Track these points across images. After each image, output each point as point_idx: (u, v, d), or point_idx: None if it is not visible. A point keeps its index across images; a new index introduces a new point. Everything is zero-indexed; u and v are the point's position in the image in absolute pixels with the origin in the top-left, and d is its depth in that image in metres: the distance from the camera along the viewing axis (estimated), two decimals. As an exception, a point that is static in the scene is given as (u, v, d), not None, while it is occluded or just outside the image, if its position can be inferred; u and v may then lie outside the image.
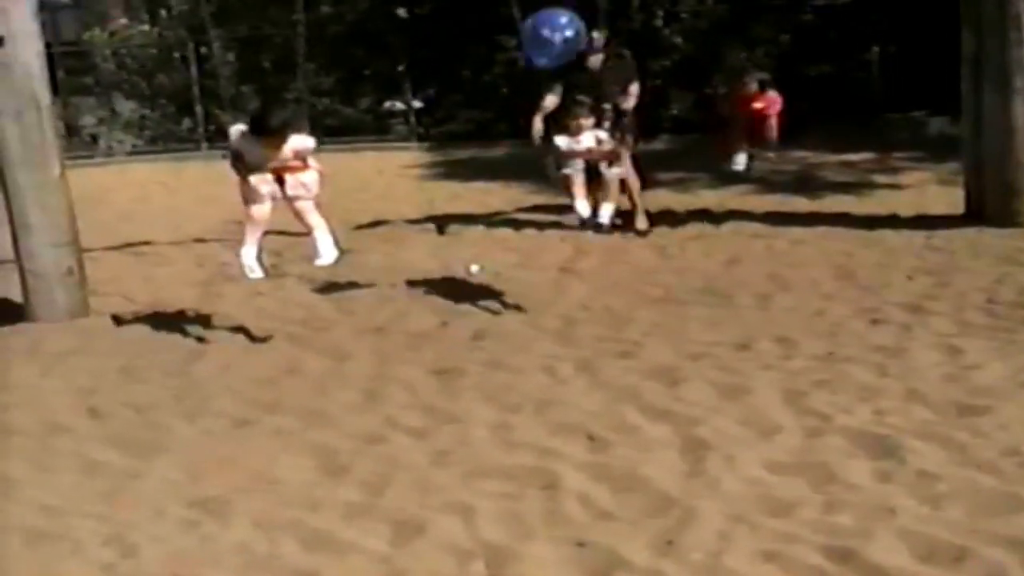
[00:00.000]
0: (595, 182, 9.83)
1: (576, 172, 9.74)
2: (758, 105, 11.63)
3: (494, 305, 8.38)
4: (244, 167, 8.22)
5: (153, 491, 5.19)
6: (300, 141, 8.13)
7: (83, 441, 5.94)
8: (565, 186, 9.73)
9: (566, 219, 10.60)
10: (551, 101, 10.37)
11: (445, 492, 4.95)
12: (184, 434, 5.98)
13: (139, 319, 8.57)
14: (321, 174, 8.34)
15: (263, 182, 8.11)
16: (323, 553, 4.49)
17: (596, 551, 4.34)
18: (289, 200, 8.27)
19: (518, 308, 8.25)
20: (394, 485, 5.06)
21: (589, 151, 9.63)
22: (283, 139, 7.95)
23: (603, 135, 10.01)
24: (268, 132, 8.01)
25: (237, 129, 8.25)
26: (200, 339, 7.89)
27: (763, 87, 11.79)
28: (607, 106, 9.82)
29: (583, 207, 9.65)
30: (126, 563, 4.55)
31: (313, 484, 5.18)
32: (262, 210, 8.20)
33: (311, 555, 4.50)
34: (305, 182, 8.24)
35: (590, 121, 9.98)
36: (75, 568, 4.54)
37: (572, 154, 9.73)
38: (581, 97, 9.92)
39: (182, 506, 4.98)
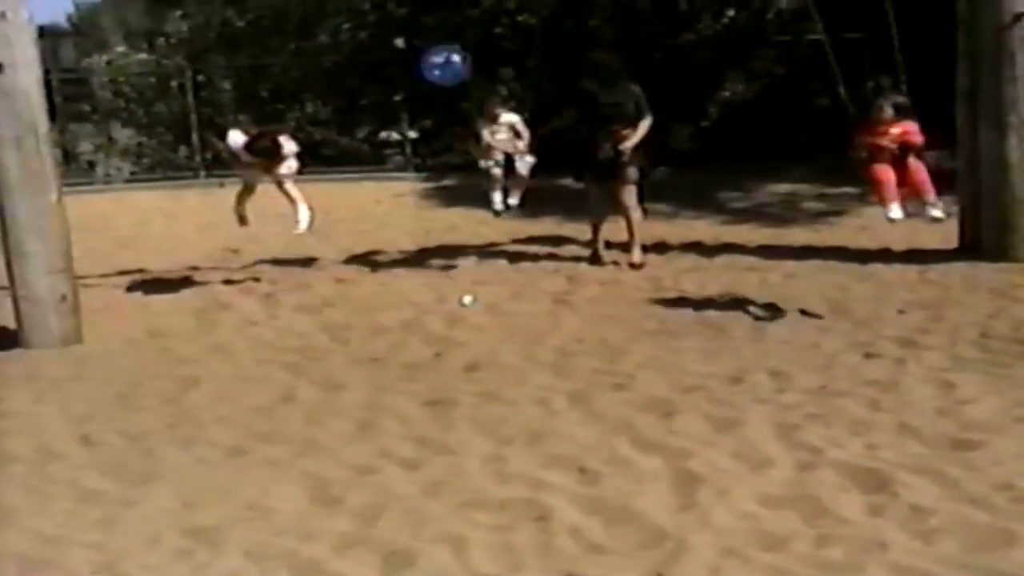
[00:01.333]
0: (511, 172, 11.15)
1: (494, 167, 11.18)
2: (895, 131, 9.90)
3: (488, 336, 8.39)
4: (238, 163, 10.29)
5: (146, 519, 5.18)
6: (287, 146, 10.10)
7: (77, 469, 5.93)
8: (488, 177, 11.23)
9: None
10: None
11: (437, 523, 4.94)
12: (178, 463, 5.97)
13: (133, 347, 8.58)
14: (299, 156, 10.21)
15: (251, 177, 10.33)
16: (315, 583, 4.49)
17: (588, 583, 4.34)
18: (276, 181, 10.15)
19: (512, 339, 8.27)
20: (386, 516, 5.06)
21: (505, 144, 11.16)
22: (272, 160, 9.91)
23: (516, 120, 10.95)
24: (257, 155, 9.92)
25: (236, 136, 10.18)
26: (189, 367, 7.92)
27: (899, 112, 9.97)
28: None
29: (498, 199, 11.22)
30: (118, 592, 4.55)
31: (306, 514, 5.17)
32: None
33: (303, 585, 4.49)
34: (288, 168, 10.15)
35: (504, 109, 11.38)
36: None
37: (491, 148, 11.21)
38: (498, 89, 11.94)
39: (175, 535, 4.97)
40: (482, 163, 11.42)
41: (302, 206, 10.28)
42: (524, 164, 11.25)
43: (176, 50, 20.44)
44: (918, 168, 9.81)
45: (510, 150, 11.27)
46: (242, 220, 10.53)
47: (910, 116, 9.88)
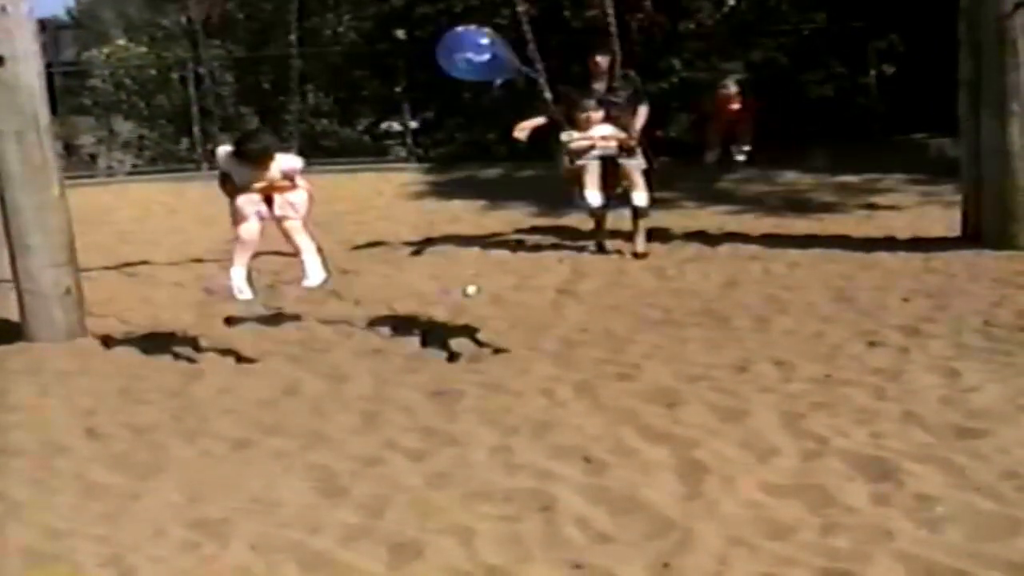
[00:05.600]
0: (612, 175, 10.46)
1: (590, 162, 10.36)
2: (735, 106, 13.92)
3: (492, 328, 8.38)
4: (232, 187, 8.29)
5: (152, 512, 5.18)
6: (288, 161, 8.26)
7: (82, 462, 5.93)
8: (577, 177, 10.37)
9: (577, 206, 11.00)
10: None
11: (443, 514, 4.94)
12: (183, 455, 5.97)
13: (137, 340, 8.58)
14: (310, 194, 8.40)
15: (249, 202, 8.17)
16: (322, 575, 4.50)
17: (594, 574, 4.34)
18: (277, 220, 8.31)
19: (516, 330, 8.26)
20: (392, 507, 5.06)
21: (603, 138, 10.35)
22: (268, 161, 8.07)
23: (612, 130, 10.36)
24: (251, 156, 8.12)
25: (224, 150, 8.37)
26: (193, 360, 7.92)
27: (742, 89, 14.05)
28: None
29: (593, 196, 10.32)
30: (125, 584, 4.56)
31: (312, 506, 5.18)
32: (249, 229, 8.25)
33: (310, 577, 4.50)
34: (293, 202, 8.30)
35: (599, 115, 10.34)
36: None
37: (584, 148, 10.37)
38: (588, 97, 10.63)
39: (181, 527, 4.97)
40: (571, 165, 10.60)
41: (308, 256, 8.39)
42: (630, 163, 10.57)
43: (176, 43, 20.44)
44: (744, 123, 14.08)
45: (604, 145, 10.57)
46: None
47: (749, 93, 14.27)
